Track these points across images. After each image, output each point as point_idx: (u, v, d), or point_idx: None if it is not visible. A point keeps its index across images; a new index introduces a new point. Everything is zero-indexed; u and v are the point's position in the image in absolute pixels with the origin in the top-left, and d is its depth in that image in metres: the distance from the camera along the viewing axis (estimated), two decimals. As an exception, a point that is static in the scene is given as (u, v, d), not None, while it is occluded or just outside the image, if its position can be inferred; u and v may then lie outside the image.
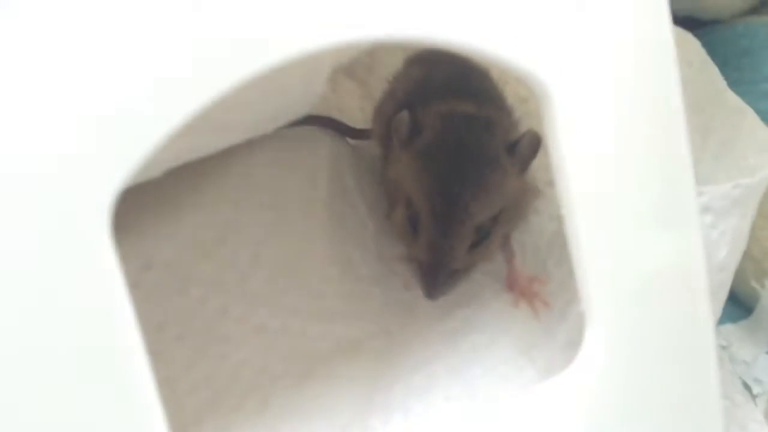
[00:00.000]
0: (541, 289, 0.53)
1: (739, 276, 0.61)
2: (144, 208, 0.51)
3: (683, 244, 0.41)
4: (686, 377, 0.42)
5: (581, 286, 0.38)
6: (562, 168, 0.36)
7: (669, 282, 0.40)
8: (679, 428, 0.41)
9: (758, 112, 0.55)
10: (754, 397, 0.57)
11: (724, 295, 0.51)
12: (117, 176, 0.27)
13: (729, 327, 0.62)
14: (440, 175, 0.46)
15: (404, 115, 0.49)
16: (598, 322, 0.38)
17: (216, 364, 0.48)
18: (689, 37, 0.59)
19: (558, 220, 0.56)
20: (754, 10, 0.71)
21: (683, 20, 0.69)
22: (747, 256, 0.61)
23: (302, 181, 0.56)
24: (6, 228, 0.26)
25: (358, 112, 0.64)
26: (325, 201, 0.56)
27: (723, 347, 0.60)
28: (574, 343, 0.47)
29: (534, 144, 0.48)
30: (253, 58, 0.29)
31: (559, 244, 0.54)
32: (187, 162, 0.50)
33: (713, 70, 0.58)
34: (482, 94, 0.53)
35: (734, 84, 0.58)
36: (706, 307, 0.42)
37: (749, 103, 0.56)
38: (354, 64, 0.68)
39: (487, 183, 0.46)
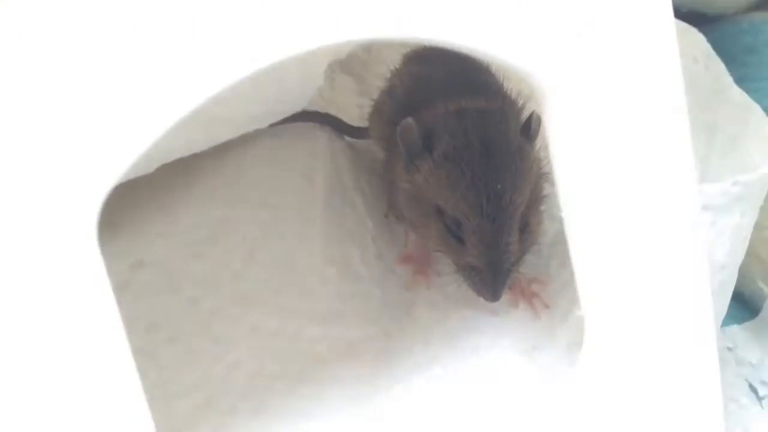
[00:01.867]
0: (542, 290, 0.52)
1: (746, 277, 0.61)
2: (135, 205, 0.50)
3: (685, 242, 0.40)
4: (688, 377, 0.41)
5: (580, 287, 0.38)
6: (562, 167, 0.36)
7: (671, 281, 0.40)
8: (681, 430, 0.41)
9: (764, 108, 0.55)
10: (760, 399, 0.57)
11: (727, 294, 0.51)
12: (107, 178, 0.27)
13: (735, 328, 0.62)
14: (478, 176, 0.45)
15: (410, 123, 0.47)
16: (598, 323, 0.38)
17: (209, 366, 0.47)
18: (694, 33, 0.58)
19: (560, 220, 0.55)
20: (758, 6, 0.71)
21: (687, 15, 0.69)
22: (754, 256, 0.60)
23: (298, 179, 0.55)
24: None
25: (355, 109, 0.63)
26: (322, 199, 0.55)
27: (729, 349, 0.60)
28: (576, 345, 0.47)
29: (537, 124, 0.48)
30: (251, 56, 0.29)
31: (561, 245, 0.54)
32: (180, 158, 0.49)
33: (719, 66, 0.57)
34: (486, 87, 0.52)
35: (739, 81, 0.58)
36: (708, 306, 0.41)
37: (755, 100, 0.56)
38: (351, 59, 0.68)
39: (522, 172, 0.46)
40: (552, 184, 0.52)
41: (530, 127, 0.48)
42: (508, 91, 0.54)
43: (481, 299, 0.50)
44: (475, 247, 0.46)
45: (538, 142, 0.49)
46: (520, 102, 0.53)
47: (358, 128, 0.61)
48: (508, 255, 0.46)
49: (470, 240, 0.46)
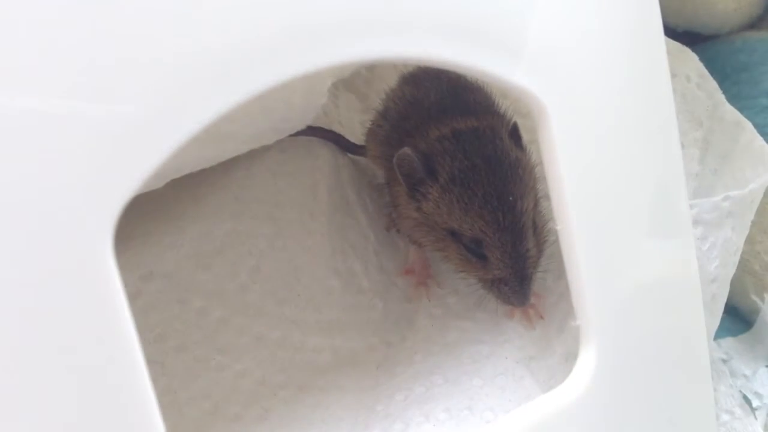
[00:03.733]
0: (537, 301, 0.53)
1: (739, 290, 0.61)
2: (145, 218, 0.51)
3: (677, 257, 0.41)
4: (681, 388, 0.42)
5: (576, 300, 0.39)
6: (558, 182, 0.37)
7: (663, 294, 0.41)
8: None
9: (756, 126, 0.56)
10: (753, 410, 0.57)
11: (719, 307, 0.51)
12: (121, 193, 0.28)
13: (729, 341, 0.62)
14: (489, 193, 0.46)
15: (408, 153, 0.48)
16: (594, 336, 0.39)
17: (216, 375, 0.48)
18: (688, 52, 0.59)
19: (556, 234, 0.56)
20: (752, 26, 0.72)
21: (682, 35, 0.70)
22: (747, 270, 0.61)
23: (303, 193, 0.56)
24: (9, 238, 0.26)
25: (358, 126, 0.64)
26: (325, 213, 0.56)
27: (723, 360, 0.60)
28: (572, 355, 0.48)
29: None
30: (258, 75, 0.30)
31: (557, 258, 0.54)
32: (189, 173, 0.50)
33: (712, 85, 0.58)
34: (477, 105, 0.53)
35: (732, 99, 0.59)
36: (700, 318, 0.42)
37: (747, 117, 0.57)
38: (355, 78, 0.68)
39: (525, 180, 0.47)
40: (547, 198, 0.53)
41: (520, 136, 0.50)
42: (497, 107, 0.55)
43: (481, 311, 0.51)
44: (500, 260, 0.47)
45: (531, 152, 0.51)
46: (508, 116, 0.54)
47: (361, 146, 0.62)
48: (530, 260, 0.47)
49: (494, 255, 0.47)
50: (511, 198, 0.46)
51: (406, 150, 0.48)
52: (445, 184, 0.47)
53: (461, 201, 0.47)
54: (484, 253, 0.48)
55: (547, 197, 0.39)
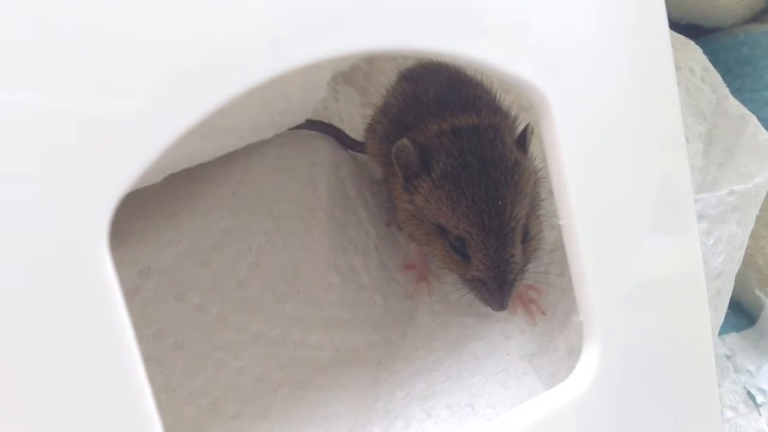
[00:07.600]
0: (539, 297, 0.53)
1: (743, 285, 0.61)
2: (143, 214, 0.51)
3: (681, 252, 0.41)
4: (685, 385, 0.42)
5: (579, 296, 0.38)
6: (561, 177, 0.37)
7: (667, 290, 0.40)
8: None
9: (760, 119, 0.55)
10: (758, 406, 0.57)
11: (724, 302, 0.51)
12: (116, 187, 0.27)
13: (733, 336, 0.62)
14: (478, 195, 0.46)
15: (406, 144, 0.48)
16: (597, 332, 0.38)
17: (215, 372, 0.48)
18: (692, 45, 0.59)
19: (559, 229, 0.55)
20: (755, 19, 0.71)
21: (685, 28, 0.70)
22: (751, 265, 0.61)
23: (302, 188, 0.56)
24: (2, 234, 0.26)
25: (358, 120, 0.64)
26: (325, 208, 0.56)
27: (727, 357, 0.60)
28: (575, 351, 0.47)
29: (530, 134, 0.49)
30: (255, 68, 0.29)
31: (560, 254, 0.54)
32: (187, 168, 0.50)
33: (716, 78, 0.58)
34: (478, 102, 0.53)
35: (736, 92, 0.58)
36: (705, 314, 0.42)
37: (751, 111, 0.56)
38: (354, 71, 0.68)
39: (520, 186, 0.47)
40: (551, 194, 0.53)
41: (526, 140, 0.49)
42: (500, 104, 0.54)
43: (482, 307, 0.50)
44: (481, 262, 0.47)
45: (533, 148, 0.50)
46: (513, 113, 0.54)
47: (360, 142, 0.62)
48: (513, 266, 0.47)
49: (475, 256, 0.47)
50: (500, 203, 0.46)
51: (405, 141, 0.48)
52: (437, 179, 0.47)
53: (450, 199, 0.47)
54: (468, 253, 0.47)
55: (551, 192, 0.39)
